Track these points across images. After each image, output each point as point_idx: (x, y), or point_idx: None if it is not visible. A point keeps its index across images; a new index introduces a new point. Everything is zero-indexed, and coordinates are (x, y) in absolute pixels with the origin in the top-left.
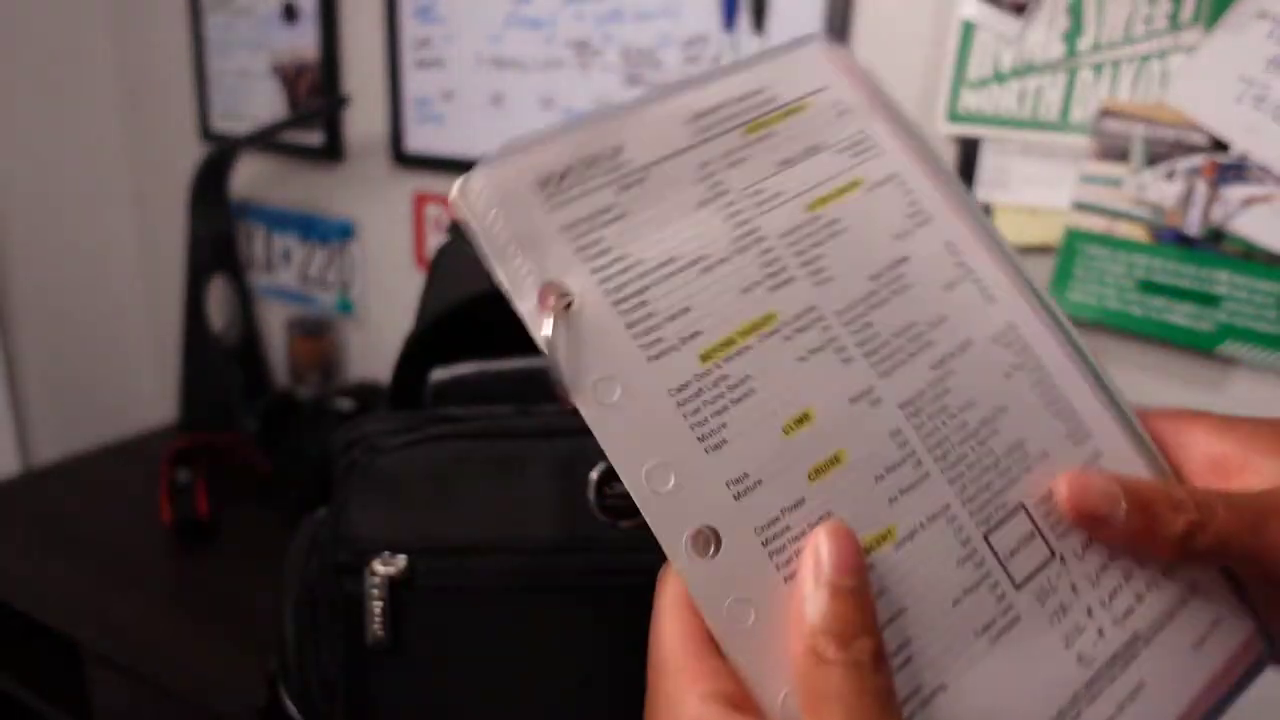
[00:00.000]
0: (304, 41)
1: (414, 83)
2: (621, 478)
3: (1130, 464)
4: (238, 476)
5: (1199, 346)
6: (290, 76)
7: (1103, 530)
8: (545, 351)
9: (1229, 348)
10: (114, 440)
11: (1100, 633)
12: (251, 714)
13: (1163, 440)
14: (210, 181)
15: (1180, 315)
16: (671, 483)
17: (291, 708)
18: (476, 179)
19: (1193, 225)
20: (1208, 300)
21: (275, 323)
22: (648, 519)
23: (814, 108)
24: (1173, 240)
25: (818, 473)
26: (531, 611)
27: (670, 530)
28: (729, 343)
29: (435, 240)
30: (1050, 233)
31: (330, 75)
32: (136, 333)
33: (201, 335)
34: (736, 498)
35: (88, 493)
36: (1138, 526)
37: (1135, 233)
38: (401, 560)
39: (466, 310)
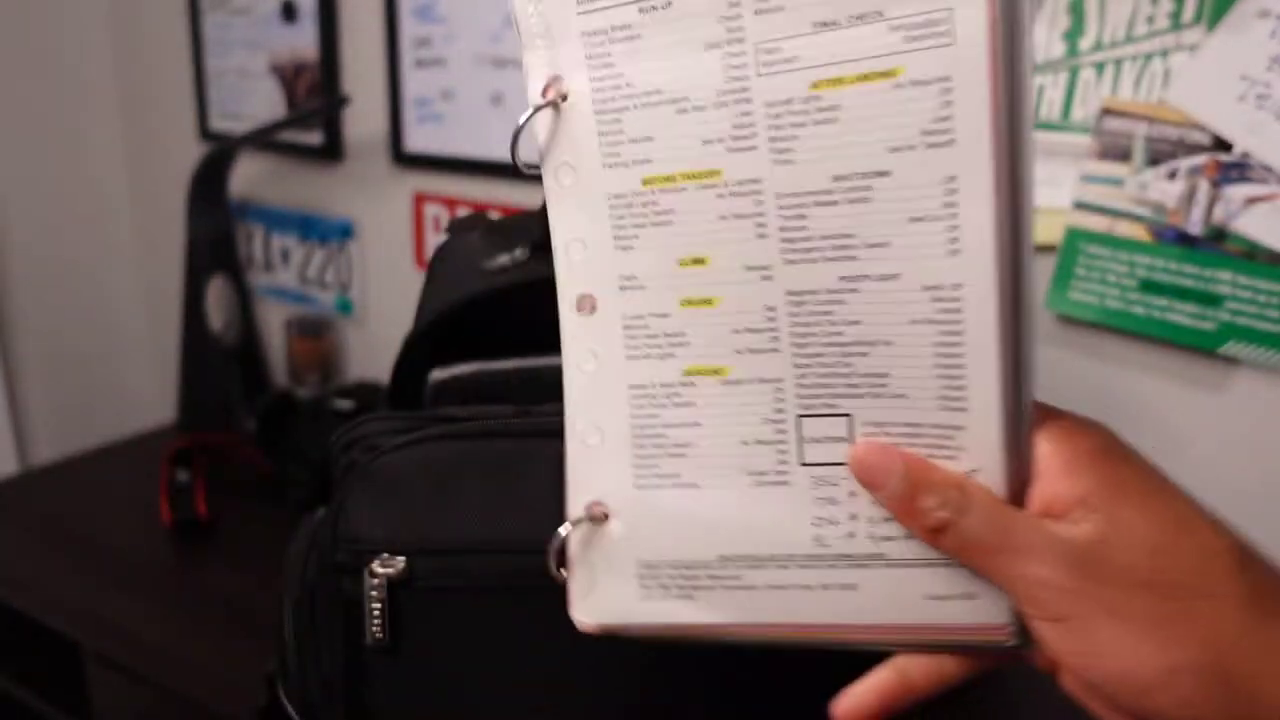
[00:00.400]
0: (303, 41)
1: (413, 82)
2: (552, 239)
3: (986, 448)
4: (237, 476)
5: (1201, 347)
6: (289, 76)
7: (875, 495)
8: (533, 125)
9: (1231, 348)
10: (113, 440)
11: (850, 535)
12: (251, 714)
13: (1054, 439)
14: (209, 181)
15: (1182, 315)
16: (581, 255)
17: (290, 708)
18: None
19: (1195, 225)
20: (1210, 300)
21: (274, 323)
22: (557, 274)
23: None
24: (1174, 240)
25: (689, 303)
26: (531, 612)
27: (568, 287)
28: (670, 179)
29: (435, 240)
30: (1051, 232)
31: (329, 75)
32: (135, 332)
33: (200, 335)
34: (621, 288)
35: (87, 493)
36: (902, 506)
37: (1137, 232)
38: (400, 561)
39: (466, 310)
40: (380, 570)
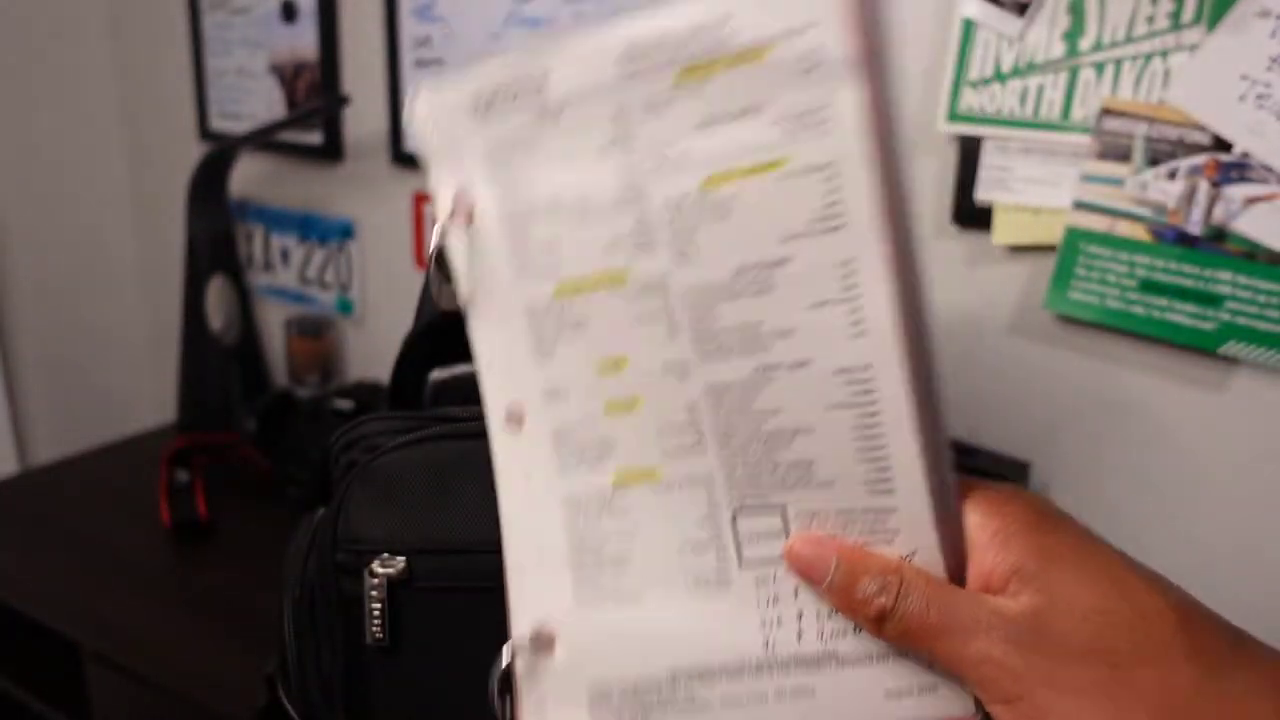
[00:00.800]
0: (303, 40)
1: (413, 82)
2: (475, 360)
3: (919, 528)
4: (237, 476)
5: (1201, 347)
6: (289, 75)
7: (815, 588)
8: (445, 249)
9: (1231, 348)
10: (113, 440)
11: (799, 635)
12: (251, 714)
13: (981, 511)
14: (209, 181)
15: (1182, 315)
16: (506, 371)
17: (290, 708)
18: (421, 98)
19: (1195, 225)
20: (1210, 300)
21: (274, 323)
22: (483, 393)
23: (774, 55)
24: (1174, 240)
25: (613, 407)
26: None
27: (495, 402)
28: (579, 286)
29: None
30: (1051, 232)
31: (329, 74)
32: (135, 332)
33: (200, 335)
34: (545, 400)
35: (87, 493)
36: (843, 596)
37: (1137, 232)
38: (400, 561)
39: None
40: (380, 570)
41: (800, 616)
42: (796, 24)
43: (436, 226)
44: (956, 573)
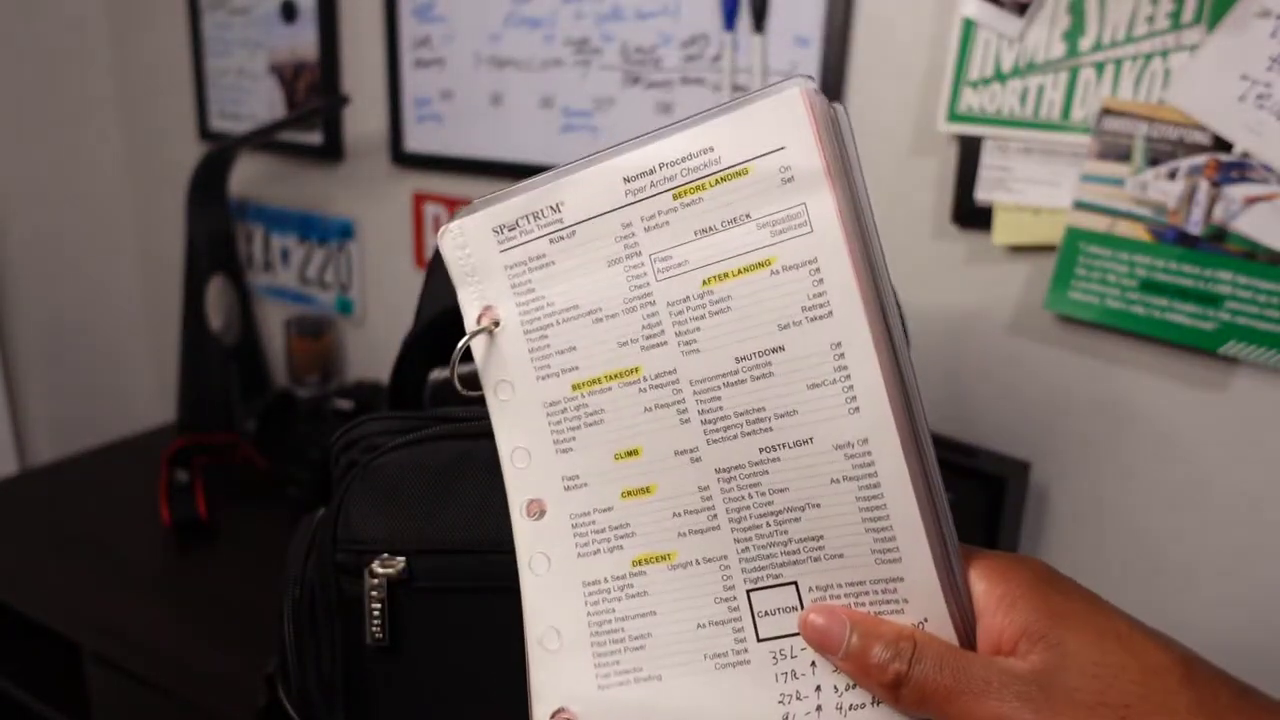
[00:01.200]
0: (303, 40)
1: (413, 82)
2: (498, 450)
3: (928, 595)
4: (237, 476)
5: (1201, 346)
6: (289, 76)
7: (830, 659)
8: (474, 355)
9: (1231, 348)
10: (113, 440)
11: (818, 709)
12: (251, 714)
13: (986, 578)
14: (209, 181)
15: (1182, 315)
16: (527, 463)
17: (290, 708)
18: (454, 224)
19: (1195, 224)
20: (1210, 300)
21: (274, 322)
22: (506, 482)
23: (756, 173)
24: (1174, 240)
25: (629, 494)
26: None
27: (516, 494)
28: (596, 381)
29: (434, 240)
30: (1051, 232)
31: (329, 74)
32: (135, 332)
33: (200, 335)
34: (565, 489)
35: (87, 493)
36: (858, 665)
37: (1137, 232)
38: (400, 561)
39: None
40: (380, 570)
41: (818, 690)
42: (771, 146)
43: (472, 337)
44: (967, 638)
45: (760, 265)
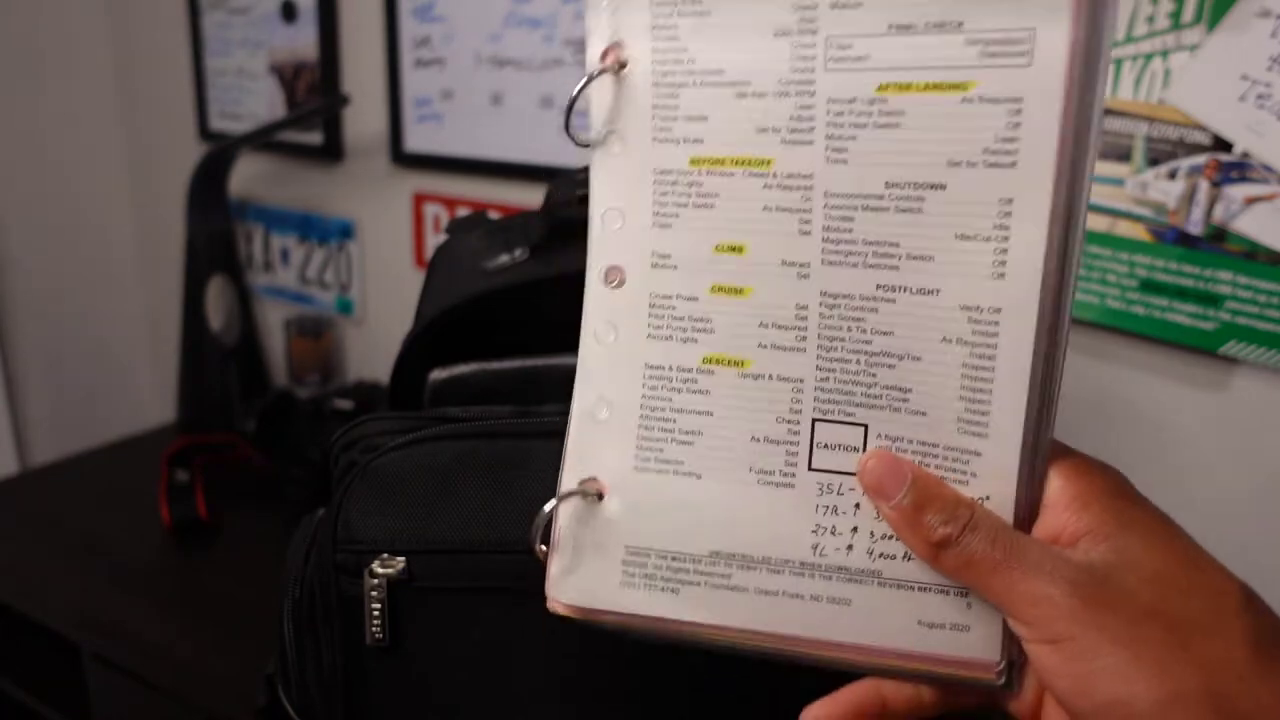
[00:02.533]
0: (303, 40)
1: (413, 82)
2: (590, 205)
3: (1000, 476)
4: (236, 477)
5: (1201, 346)
6: (289, 75)
7: (882, 506)
8: (587, 90)
9: (1232, 348)
10: (113, 440)
11: (849, 548)
12: (251, 714)
13: (1064, 475)
14: (209, 181)
15: (1182, 315)
16: (619, 226)
17: (290, 708)
18: None
19: (1195, 224)
20: (1210, 300)
21: (274, 322)
22: (590, 240)
23: None
24: (1175, 240)
25: (720, 290)
26: (531, 612)
27: (599, 256)
28: (719, 161)
29: (435, 240)
30: None
31: (329, 74)
32: (135, 332)
33: (200, 335)
34: (653, 265)
35: (87, 493)
36: (906, 519)
37: (1137, 232)
38: (400, 561)
39: (466, 310)
40: (380, 570)
41: (854, 531)
42: None
43: (593, 71)
44: (1023, 526)
45: (954, 87)
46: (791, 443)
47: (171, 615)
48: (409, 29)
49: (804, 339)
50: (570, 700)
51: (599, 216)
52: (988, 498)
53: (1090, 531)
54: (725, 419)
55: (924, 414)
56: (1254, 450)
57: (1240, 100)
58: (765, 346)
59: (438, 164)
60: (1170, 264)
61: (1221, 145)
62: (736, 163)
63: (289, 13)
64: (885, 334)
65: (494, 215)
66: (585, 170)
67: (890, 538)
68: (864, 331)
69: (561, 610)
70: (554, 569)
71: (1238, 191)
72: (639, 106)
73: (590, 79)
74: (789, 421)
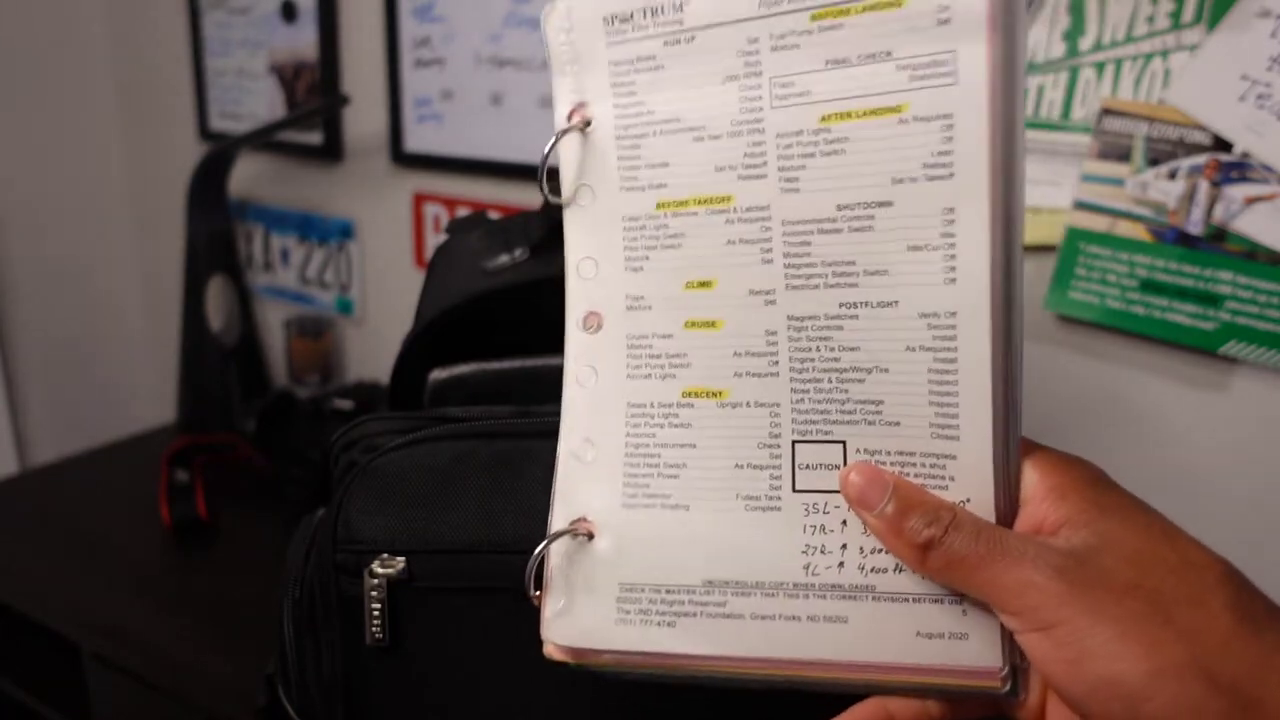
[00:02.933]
0: (303, 40)
1: (413, 82)
2: (565, 256)
3: (977, 477)
4: (237, 476)
5: (1202, 346)
6: (289, 75)
7: (866, 516)
8: (557, 149)
9: (1232, 348)
10: (113, 440)
11: (841, 565)
12: (251, 714)
13: (1040, 470)
14: (209, 181)
15: (1183, 315)
16: (593, 273)
17: (290, 708)
18: (561, 4)
19: (1195, 224)
20: (1210, 300)
21: (274, 322)
22: (567, 291)
23: (911, 7)
24: (1175, 240)
25: (693, 325)
26: (531, 612)
27: (576, 303)
28: (682, 203)
29: (435, 240)
30: (1051, 232)
31: (329, 74)
32: (135, 332)
33: (200, 335)
34: (628, 308)
35: (87, 493)
36: (891, 527)
37: (1137, 232)
38: (400, 561)
39: (466, 310)
40: (380, 570)
41: (844, 548)
42: None
43: (555, 133)
44: (1006, 522)
45: (889, 110)
46: (774, 466)
47: (171, 615)
48: (409, 29)
49: (776, 364)
50: (570, 700)
51: (574, 266)
52: (968, 500)
53: (1070, 520)
54: (708, 449)
55: (898, 424)
56: (1254, 450)
57: (1240, 100)
58: (741, 375)
59: (438, 164)
60: (1170, 264)
61: (1221, 145)
62: (699, 202)
63: (289, 13)
64: (852, 350)
65: (494, 215)
66: None
67: (880, 551)
68: (832, 349)
69: (557, 654)
70: (547, 611)
71: (1238, 191)
72: (605, 159)
73: (558, 138)
74: (770, 446)
